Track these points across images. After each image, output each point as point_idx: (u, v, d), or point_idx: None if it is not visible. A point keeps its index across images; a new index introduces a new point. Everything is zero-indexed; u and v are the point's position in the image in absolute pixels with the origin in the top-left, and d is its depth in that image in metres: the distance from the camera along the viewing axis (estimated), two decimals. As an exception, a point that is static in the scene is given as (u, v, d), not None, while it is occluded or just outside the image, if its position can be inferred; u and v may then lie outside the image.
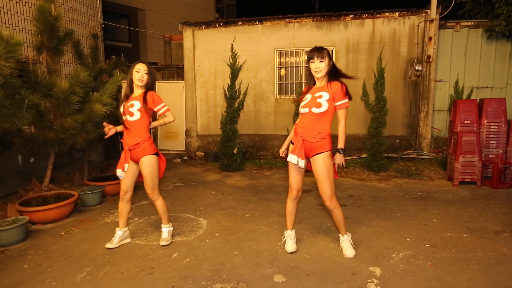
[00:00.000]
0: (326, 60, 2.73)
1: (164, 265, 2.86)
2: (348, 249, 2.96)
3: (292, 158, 2.80)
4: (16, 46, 3.00)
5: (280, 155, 3.11)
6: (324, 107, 2.72)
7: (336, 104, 2.75)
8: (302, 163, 2.79)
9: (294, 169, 2.92)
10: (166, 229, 3.32)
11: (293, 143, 2.90)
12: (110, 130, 3.14)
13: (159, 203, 3.20)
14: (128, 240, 3.38)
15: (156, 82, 8.60)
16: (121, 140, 3.17)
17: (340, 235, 3.09)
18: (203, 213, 4.20)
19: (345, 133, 2.83)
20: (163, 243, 3.23)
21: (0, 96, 3.43)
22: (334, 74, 2.81)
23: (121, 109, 3.11)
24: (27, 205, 3.92)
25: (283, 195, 4.90)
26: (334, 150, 2.85)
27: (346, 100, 2.76)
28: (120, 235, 3.29)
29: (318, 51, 2.73)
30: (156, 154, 3.15)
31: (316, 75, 2.78)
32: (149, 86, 3.12)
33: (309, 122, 2.79)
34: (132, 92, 3.13)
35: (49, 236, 3.57)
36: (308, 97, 2.82)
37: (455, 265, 2.78)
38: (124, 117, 3.08)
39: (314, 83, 2.88)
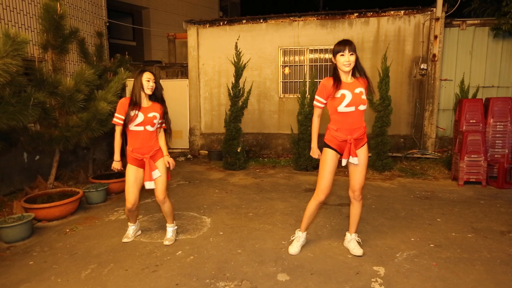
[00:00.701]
0: (355, 54, 2.65)
1: (168, 263, 2.87)
2: (356, 248, 2.96)
3: (354, 160, 2.76)
4: (22, 44, 3.02)
5: (318, 158, 2.93)
6: (367, 103, 2.77)
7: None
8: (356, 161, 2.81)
9: (331, 173, 2.81)
10: (171, 229, 3.35)
11: (334, 148, 2.80)
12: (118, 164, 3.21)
13: (168, 205, 3.24)
14: (140, 232, 3.54)
15: (160, 80, 8.68)
16: (129, 148, 3.11)
17: (348, 233, 3.07)
18: (207, 211, 4.21)
19: None
20: (166, 242, 3.25)
21: (7, 94, 3.46)
22: (359, 69, 2.75)
23: (139, 119, 3.02)
24: (33, 202, 3.95)
25: (287, 194, 4.90)
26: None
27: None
28: (133, 228, 3.43)
29: (349, 44, 2.62)
30: None
31: (345, 69, 2.66)
32: (160, 95, 3.19)
33: (356, 119, 2.73)
34: (140, 100, 3.07)
35: (54, 233, 3.60)
36: (348, 94, 2.67)
37: (460, 265, 2.76)
38: (141, 127, 3.05)
39: (339, 79, 2.73)
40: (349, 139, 2.74)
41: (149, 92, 3.07)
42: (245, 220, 3.88)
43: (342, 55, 2.64)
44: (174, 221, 3.41)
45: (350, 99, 2.67)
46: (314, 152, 2.93)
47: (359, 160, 2.80)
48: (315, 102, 2.82)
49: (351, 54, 2.63)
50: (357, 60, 2.69)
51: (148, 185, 3.08)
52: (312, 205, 2.93)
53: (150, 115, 3.08)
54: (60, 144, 4.28)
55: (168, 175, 3.30)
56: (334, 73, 2.76)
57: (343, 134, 2.75)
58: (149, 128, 3.09)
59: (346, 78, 2.74)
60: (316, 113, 2.86)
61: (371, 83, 2.81)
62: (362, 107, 2.71)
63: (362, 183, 2.86)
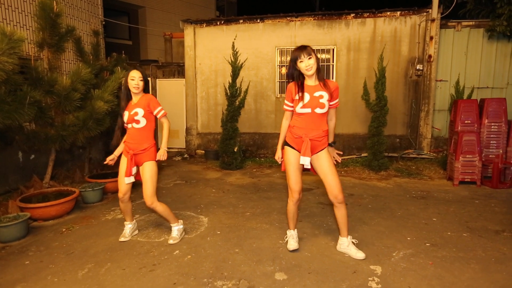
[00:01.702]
0: (313, 56, 2.68)
1: (165, 262, 2.87)
2: (358, 252, 2.91)
3: (305, 161, 2.76)
4: (19, 42, 3.00)
5: (279, 161, 3.02)
6: (327, 107, 2.76)
7: (331, 103, 2.81)
8: (307, 162, 2.79)
9: (296, 170, 2.87)
10: (175, 228, 3.31)
11: (292, 146, 2.87)
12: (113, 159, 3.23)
13: (159, 209, 3.16)
14: (137, 231, 3.50)
15: (157, 80, 8.67)
16: (123, 142, 3.16)
17: (342, 237, 2.99)
18: (204, 210, 4.21)
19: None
20: (170, 241, 3.24)
21: (2, 92, 3.43)
22: (320, 70, 2.80)
23: (125, 118, 3.08)
24: (28, 202, 3.93)
25: (284, 193, 4.91)
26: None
27: (338, 100, 2.89)
28: (130, 227, 3.40)
29: (304, 49, 2.68)
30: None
31: (308, 73, 2.72)
32: (145, 90, 3.18)
33: (312, 122, 2.78)
34: (130, 99, 3.14)
35: (50, 232, 3.57)
36: (306, 96, 2.75)
37: (456, 264, 2.79)
38: (129, 125, 3.08)
39: (302, 83, 2.80)
40: (304, 137, 2.78)
41: (134, 90, 3.06)
42: (242, 219, 3.88)
43: (301, 61, 2.70)
44: (180, 220, 3.39)
45: (307, 101, 2.75)
46: (276, 154, 3.03)
47: (322, 163, 2.81)
48: (284, 106, 2.96)
49: (309, 58, 2.68)
50: (317, 61, 2.74)
51: (127, 180, 3.11)
52: (289, 206, 2.99)
53: (132, 112, 3.05)
54: (56, 143, 4.26)
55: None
56: (299, 76, 2.81)
57: (299, 132, 2.81)
58: (135, 125, 3.06)
59: (310, 81, 2.80)
60: (285, 116, 2.97)
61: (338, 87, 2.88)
62: (319, 110, 2.73)
63: (340, 186, 2.81)
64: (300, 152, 2.83)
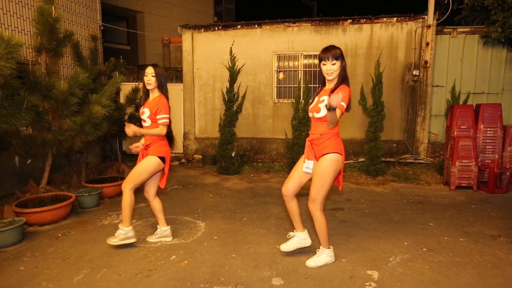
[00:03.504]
0: (339, 62, 2.59)
1: (162, 268, 2.85)
2: (312, 259, 2.86)
3: (307, 164, 2.83)
4: (17, 47, 3.00)
5: None
6: (323, 112, 2.64)
7: None
8: (310, 166, 2.80)
9: (297, 169, 2.92)
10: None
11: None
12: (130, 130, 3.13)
13: (124, 198, 3.06)
14: (170, 239, 3.40)
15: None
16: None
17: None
18: (201, 215, 4.19)
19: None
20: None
21: (0, 97, 3.42)
22: (345, 78, 2.67)
23: (139, 114, 3.23)
24: (24, 207, 3.90)
25: (281, 198, 4.88)
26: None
27: (343, 104, 2.54)
28: (159, 232, 3.42)
29: (330, 52, 2.58)
30: (162, 158, 3.14)
31: (328, 78, 2.66)
32: (162, 89, 3.16)
33: (314, 126, 2.80)
34: (148, 96, 3.22)
35: (46, 238, 3.55)
36: (315, 100, 2.78)
37: (452, 268, 2.80)
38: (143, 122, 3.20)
39: (325, 84, 2.80)
40: (308, 141, 2.83)
41: (147, 86, 3.12)
42: (240, 224, 3.87)
43: (324, 64, 2.63)
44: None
45: (312, 105, 2.78)
46: None
47: (315, 171, 2.74)
48: None
49: (333, 64, 2.59)
50: (342, 68, 2.63)
51: None
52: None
53: (142, 110, 3.14)
54: (53, 147, 4.23)
55: (163, 181, 3.30)
56: (324, 80, 2.80)
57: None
58: (143, 123, 3.14)
59: (328, 84, 2.76)
60: None
61: (348, 93, 2.60)
62: (316, 115, 2.69)
63: (311, 196, 2.70)
64: (310, 157, 2.84)
